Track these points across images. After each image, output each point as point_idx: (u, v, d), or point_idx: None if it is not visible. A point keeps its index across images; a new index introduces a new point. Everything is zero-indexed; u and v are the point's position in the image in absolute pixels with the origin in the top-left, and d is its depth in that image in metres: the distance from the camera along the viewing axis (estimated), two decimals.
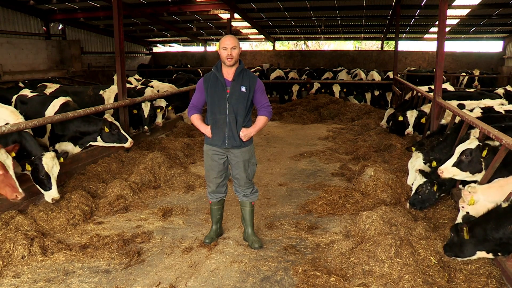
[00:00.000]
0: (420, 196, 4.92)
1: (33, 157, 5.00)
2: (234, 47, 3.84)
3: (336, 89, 14.17)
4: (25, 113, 6.28)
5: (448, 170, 4.55)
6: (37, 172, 4.93)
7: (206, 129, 4.03)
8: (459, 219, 4.00)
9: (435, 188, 4.85)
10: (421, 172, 5.04)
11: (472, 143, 4.53)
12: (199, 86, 4.07)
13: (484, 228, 3.41)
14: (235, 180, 4.21)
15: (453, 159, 4.55)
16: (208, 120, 4.05)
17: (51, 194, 4.96)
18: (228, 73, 3.95)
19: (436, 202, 5.01)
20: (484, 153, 4.39)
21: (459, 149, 4.57)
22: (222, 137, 3.96)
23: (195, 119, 4.08)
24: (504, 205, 3.42)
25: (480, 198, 3.87)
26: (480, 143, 4.49)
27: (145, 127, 8.07)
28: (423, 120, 7.92)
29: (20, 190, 4.34)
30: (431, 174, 5.01)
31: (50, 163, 4.97)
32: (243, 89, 3.92)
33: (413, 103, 9.46)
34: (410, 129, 8.26)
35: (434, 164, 4.96)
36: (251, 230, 4.32)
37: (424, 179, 4.94)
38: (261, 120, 4.05)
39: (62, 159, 5.29)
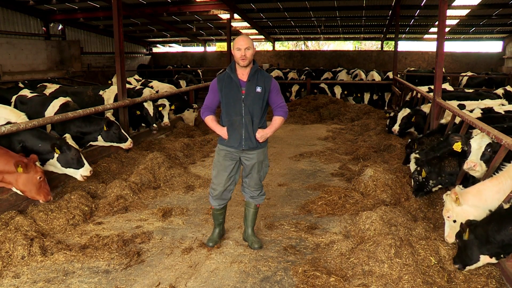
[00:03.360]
0: (417, 183, 5.01)
1: (57, 142, 5.20)
2: (248, 47, 3.78)
3: (338, 90, 14.18)
4: (25, 113, 6.28)
5: (478, 163, 4.40)
6: (69, 153, 5.19)
7: (222, 131, 3.95)
8: (446, 230, 3.97)
9: (423, 173, 4.90)
10: (415, 159, 5.08)
11: (485, 137, 4.49)
12: (213, 87, 3.99)
13: (486, 229, 3.38)
14: (245, 180, 4.15)
15: (478, 152, 4.44)
16: (224, 122, 3.98)
17: (88, 167, 5.30)
18: (243, 73, 3.89)
19: (431, 190, 5.04)
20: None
21: (477, 143, 4.47)
22: (238, 139, 3.89)
23: (210, 121, 4.01)
24: (506, 206, 3.39)
25: (462, 202, 3.83)
26: (493, 140, 4.44)
27: (154, 125, 7.99)
28: (413, 119, 7.98)
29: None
30: (422, 161, 5.05)
31: (73, 142, 5.27)
32: (259, 89, 3.86)
33: (413, 103, 9.47)
34: (395, 127, 8.25)
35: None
36: (251, 230, 4.30)
37: (415, 166, 5.03)
38: (277, 121, 4.01)
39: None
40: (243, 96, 3.85)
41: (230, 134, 3.92)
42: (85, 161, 5.32)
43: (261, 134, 3.92)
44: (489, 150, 4.42)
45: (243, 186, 4.24)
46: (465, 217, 3.74)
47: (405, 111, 8.24)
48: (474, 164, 4.37)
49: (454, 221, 3.87)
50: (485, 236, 3.38)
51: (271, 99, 4.00)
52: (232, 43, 3.92)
